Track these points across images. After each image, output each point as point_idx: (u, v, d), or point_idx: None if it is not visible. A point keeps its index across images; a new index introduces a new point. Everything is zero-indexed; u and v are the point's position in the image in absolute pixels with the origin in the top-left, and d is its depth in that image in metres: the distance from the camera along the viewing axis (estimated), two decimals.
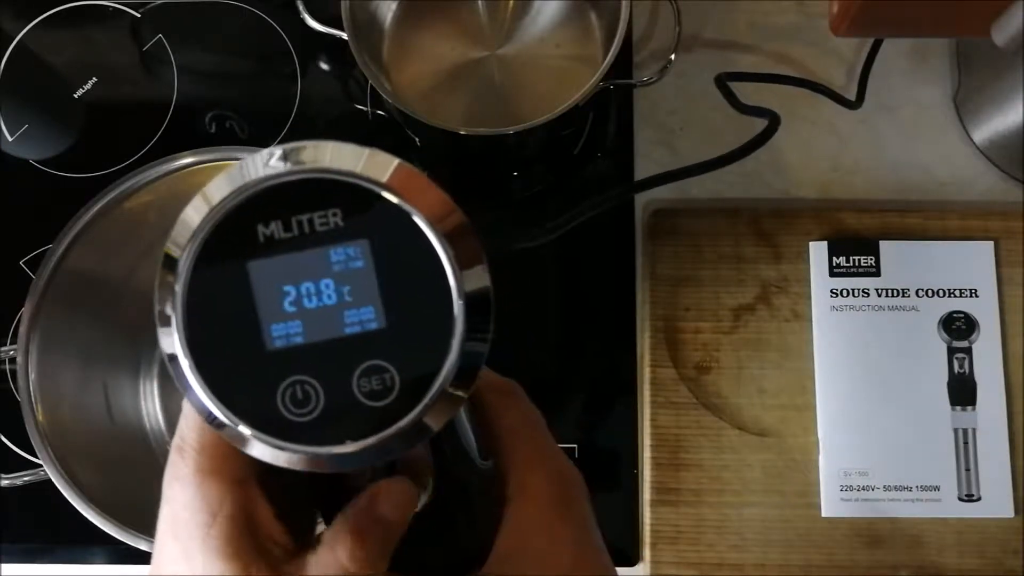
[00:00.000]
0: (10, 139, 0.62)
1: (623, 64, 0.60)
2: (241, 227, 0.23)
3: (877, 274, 0.57)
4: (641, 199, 0.61)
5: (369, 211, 0.23)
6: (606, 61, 0.53)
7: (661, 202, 0.61)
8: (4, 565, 0.56)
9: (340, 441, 0.23)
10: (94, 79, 0.64)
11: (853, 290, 0.57)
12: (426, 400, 0.23)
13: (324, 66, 0.64)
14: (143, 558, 0.45)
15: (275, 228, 0.23)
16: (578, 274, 0.60)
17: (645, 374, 0.57)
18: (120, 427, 0.55)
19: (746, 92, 0.57)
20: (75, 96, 0.64)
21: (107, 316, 0.54)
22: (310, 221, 0.23)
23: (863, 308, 0.57)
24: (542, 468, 0.30)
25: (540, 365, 0.58)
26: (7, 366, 0.51)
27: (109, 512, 0.47)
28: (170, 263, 0.23)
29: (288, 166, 0.23)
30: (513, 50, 0.59)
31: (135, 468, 0.53)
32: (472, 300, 0.23)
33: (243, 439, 0.23)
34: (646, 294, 0.58)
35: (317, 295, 0.23)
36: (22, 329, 0.49)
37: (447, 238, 0.23)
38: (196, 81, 0.64)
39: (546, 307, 0.60)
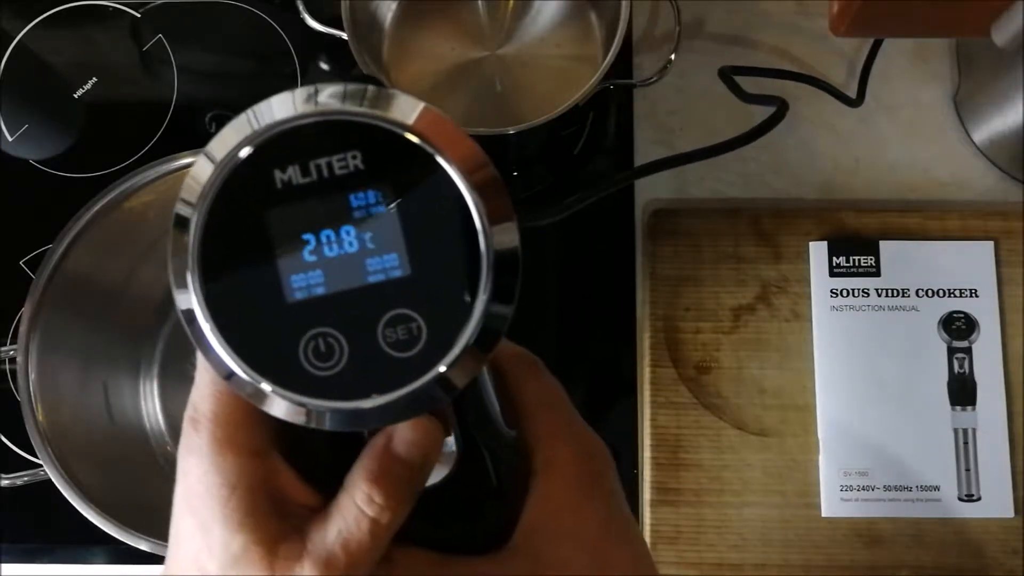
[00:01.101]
0: (10, 139, 0.62)
1: (623, 64, 0.60)
2: (257, 174, 0.22)
3: (877, 274, 0.57)
4: (641, 199, 0.61)
5: (391, 154, 0.22)
6: (606, 61, 0.53)
7: (661, 202, 0.61)
8: (4, 565, 0.56)
9: (366, 395, 0.22)
10: (94, 79, 0.64)
11: (853, 290, 0.57)
12: (456, 349, 0.22)
13: (324, 66, 0.64)
14: (143, 558, 0.45)
15: (292, 173, 0.22)
16: (578, 274, 0.60)
17: (645, 374, 0.57)
18: (120, 427, 0.55)
19: (747, 89, 0.57)
20: (75, 96, 0.64)
21: (107, 316, 0.54)
22: (328, 165, 0.22)
23: (863, 308, 0.57)
24: (568, 442, 0.29)
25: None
26: (7, 366, 0.51)
27: (109, 512, 0.47)
28: (182, 221, 0.22)
29: (305, 109, 0.22)
30: (513, 50, 0.59)
31: (135, 468, 0.53)
32: (500, 254, 0.22)
33: (264, 397, 0.22)
34: (646, 294, 0.58)
35: (338, 243, 0.22)
36: (22, 329, 0.49)
37: (476, 188, 0.22)
38: (196, 81, 0.64)
39: (546, 306, 0.60)
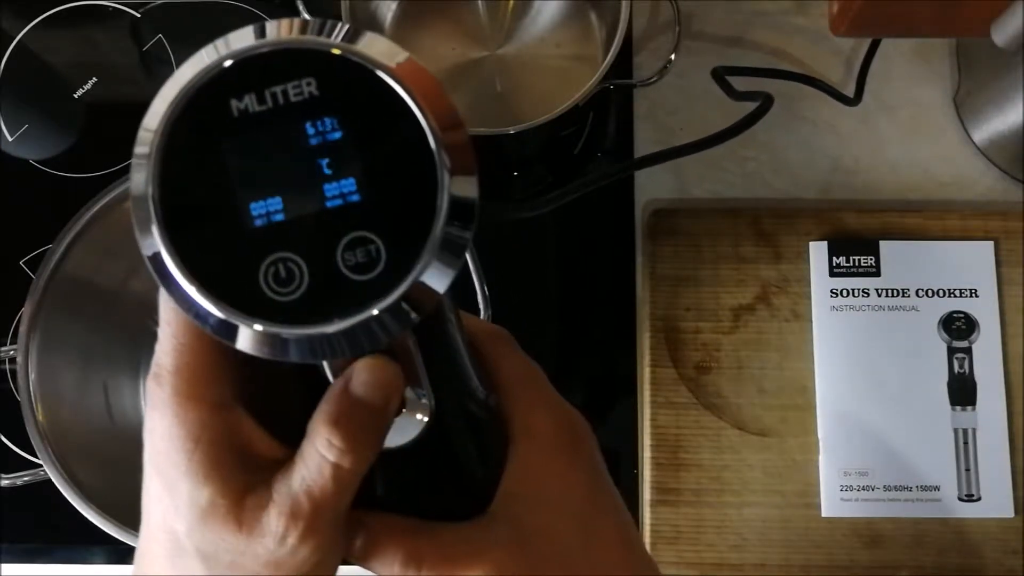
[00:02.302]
0: (10, 139, 0.62)
1: (623, 64, 0.60)
2: (212, 105, 0.22)
3: (877, 274, 0.57)
4: (641, 199, 0.61)
5: (344, 81, 0.22)
6: (606, 61, 0.53)
7: (661, 202, 0.61)
8: (4, 565, 0.56)
9: (327, 319, 0.22)
10: (94, 79, 0.64)
11: (853, 290, 0.57)
12: (414, 270, 0.22)
13: None
14: None
15: (249, 102, 0.22)
16: (578, 274, 0.60)
17: (645, 374, 0.57)
18: (120, 427, 0.55)
19: (744, 89, 0.57)
20: (75, 96, 0.64)
21: (107, 316, 0.54)
22: (284, 92, 0.22)
23: (863, 308, 0.57)
24: (546, 411, 0.29)
25: (540, 365, 0.58)
26: (7, 366, 0.51)
27: (109, 512, 0.47)
28: (138, 166, 0.22)
29: (261, 40, 0.22)
30: (513, 50, 0.59)
31: (135, 468, 0.53)
32: (455, 168, 0.22)
33: (230, 330, 0.22)
34: (646, 294, 0.58)
35: (295, 169, 0.22)
36: (22, 329, 0.49)
37: (438, 132, 0.22)
38: None
39: (546, 306, 0.60)
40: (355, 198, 0.22)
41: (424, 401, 0.27)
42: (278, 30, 0.22)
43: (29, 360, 0.49)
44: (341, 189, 0.22)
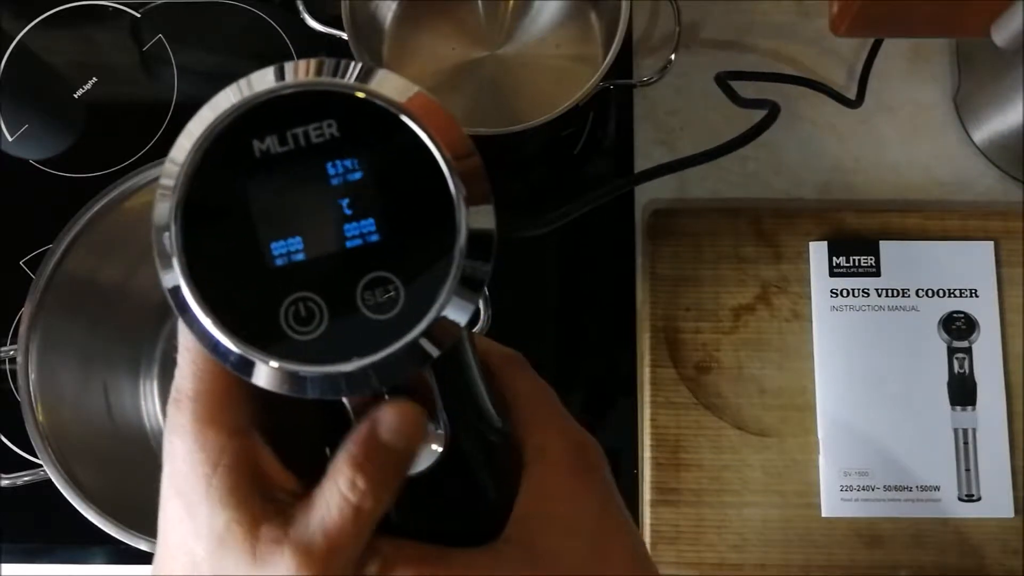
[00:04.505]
0: (10, 139, 0.62)
1: (623, 64, 0.60)
2: (235, 145, 0.22)
3: (877, 274, 0.57)
4: (641, 199, 0.61)
5: (369, 124, 0.22)
6: (606, 61, 0.53)
7: (661, 202, 0.61)
8: (4, 565, 0.56)
9: (347, 358, 0.22)
10: (94, 79, 0.64)
11: (853, 290, 0.57)
12: (434, 310, 0.22)
13: None
14: (143, 558, 0.45)
15: (270, 143, 0.22)
16: (578, 274, 0.60)
17: (645, 374, 0.57)
18: (120, 427, 0.55)
19: (746, 92, 0.57)
20: (75, 96, 0.64)
21: (107, 316, 0.54)
22: (305, 134, 0.22)
23: (863, 308, 0.57)
24: (558, 433, 0.29)
25: (540, 365, 0.58)
26: (7, 366, 0.51)
27: (109, 512, 0.47)
28: (162, 200, 0.22)
29: (282, 83, 0.23)
30: (513, 50, 0.59)
31: (135, 468, 0.53)
32: (473, 210, 0.22)
33: (248, 365, 0.22)
34: (646, 294, 0.58)
35: (316, 209, 0.22)
36: (22, 329, 0.49)
37: (456, 169, 0.22)
38: (196, 81, 0.64)
39: (546, 307, 0.60)
40: (374, 238, 0.22)
41: (440, 431, 0.27)
42: (295, 71, 0.23)
43: (29, 360, 0.49)
44: (361, 229, 0.22)
